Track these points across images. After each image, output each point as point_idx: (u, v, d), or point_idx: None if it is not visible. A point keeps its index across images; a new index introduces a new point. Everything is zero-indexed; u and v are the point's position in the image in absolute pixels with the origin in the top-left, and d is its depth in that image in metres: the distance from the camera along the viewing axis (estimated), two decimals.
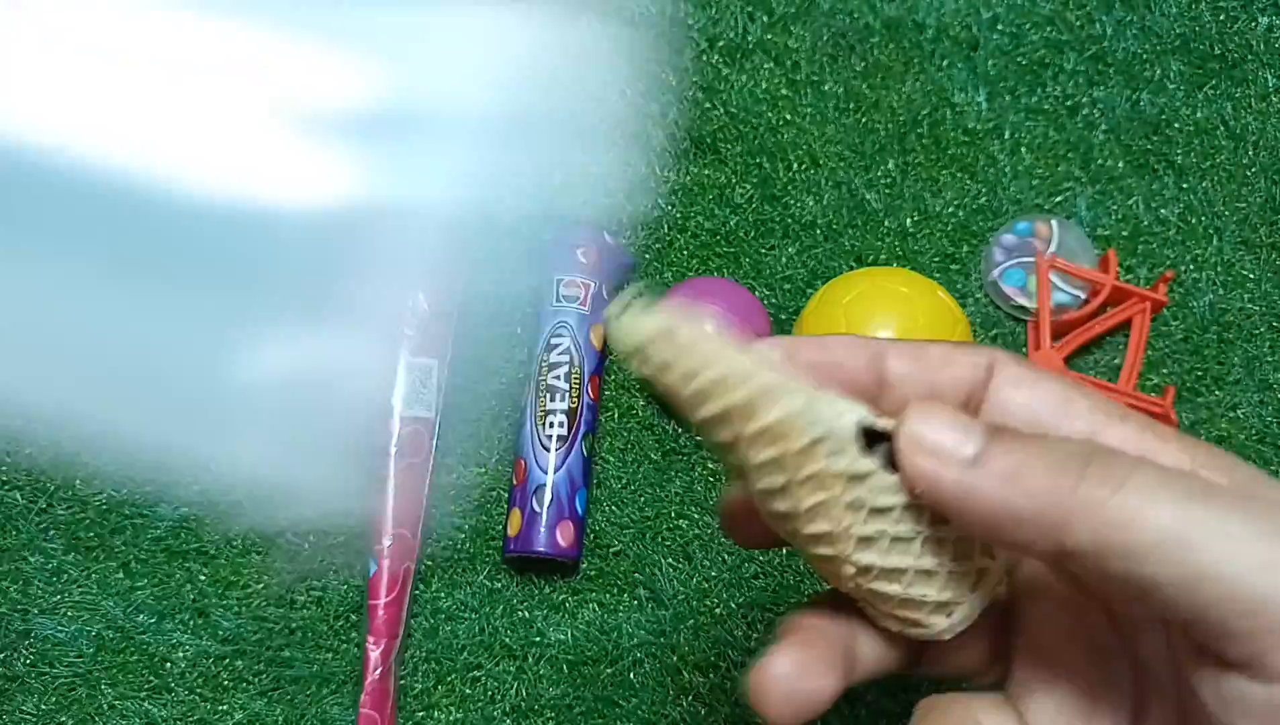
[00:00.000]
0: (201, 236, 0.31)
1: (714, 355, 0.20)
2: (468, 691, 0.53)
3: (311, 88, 0.32)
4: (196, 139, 0.30)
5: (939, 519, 0.21)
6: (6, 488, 0.57)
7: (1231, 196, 0.62)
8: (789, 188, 0.62)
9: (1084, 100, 0.63)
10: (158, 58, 0.30)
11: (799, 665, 0.23)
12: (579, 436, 0.54)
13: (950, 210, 0.61)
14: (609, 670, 0.54)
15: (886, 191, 0.61)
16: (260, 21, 0.32)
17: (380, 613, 0.52)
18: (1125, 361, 0.59)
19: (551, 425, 0.54)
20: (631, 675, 0.53)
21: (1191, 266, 0.60)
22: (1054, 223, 0.60)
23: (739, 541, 0.28)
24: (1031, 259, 0.59)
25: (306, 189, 0.32)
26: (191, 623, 0.55)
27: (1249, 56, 0.64)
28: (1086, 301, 0.59)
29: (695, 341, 0.20)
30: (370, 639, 0.52)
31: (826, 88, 0.63)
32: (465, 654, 0.54)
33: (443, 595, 0.55)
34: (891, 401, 0.23)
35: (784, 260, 0.60)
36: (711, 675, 0.54)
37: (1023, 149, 0.62)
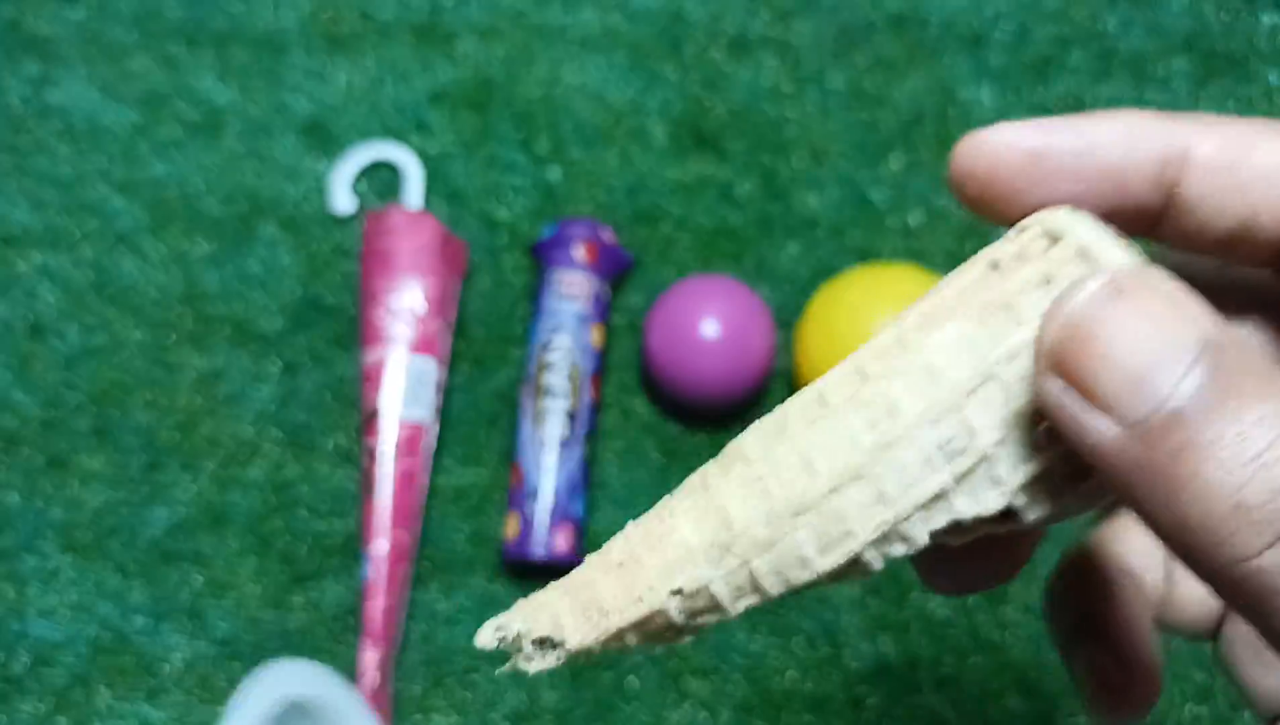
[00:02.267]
0: None
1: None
2: (466, 696, 0.53)
3: None
4: None
5: None
6: (3, 489, 0.56)
7: None
8: (792, 184, 0.61)
9: (1089, 97, 0.63)
10: None
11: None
12: (578, 438, 0.54)
13: (955, 207, 0.61)
14: (608, 675, 0.53)
15: (891, 188, 0.61)
16: None
17: (377, 616, 0.52)
18: None
19: (551, 426, 0.53)
20: (631, 680, 0.53)
21: None
22: None
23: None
24: None
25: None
26: (187, 625, 0.55)
27: (1253, 54, 0.64)
28: None
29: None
30: (366, 642, 0.51)
31: (830, 83, 0.63)
32: (463, 658, 0.53)
33: (440, 599, 0.55)
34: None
35: (787, 258, 0.60)
36: (712, 679, 0.53)
37: None
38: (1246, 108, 0.63)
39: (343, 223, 0.60)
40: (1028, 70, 0.63)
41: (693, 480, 0.17)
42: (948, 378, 0.15)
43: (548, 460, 0.53)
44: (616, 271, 0.57)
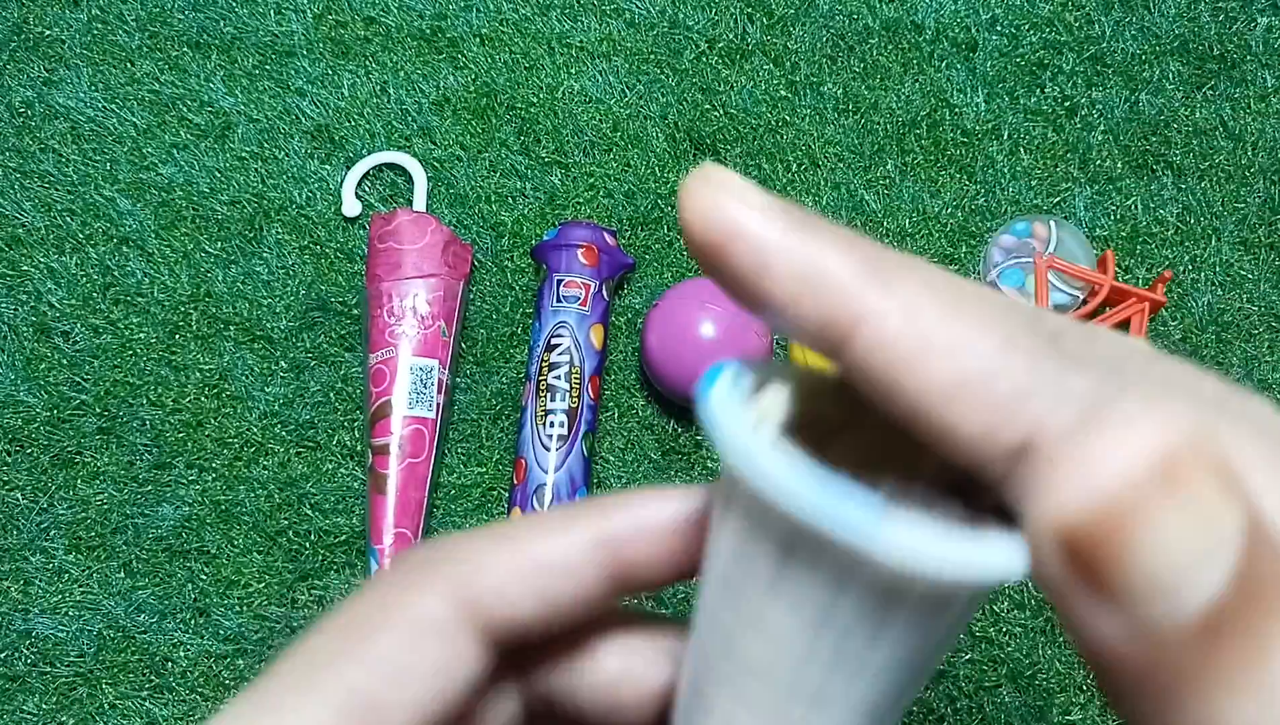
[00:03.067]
0: None
1: None
2: None
3: None
4: None
5: None
6: (7, 488, 0.57)
7: (1230, 197, 0.62)
8: (788, 189, 0.62)
9: (1082, 101, 0.64)
10: None
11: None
12: (579, 436, 0.55)
13: (949, 211, 0.62)
14: None
15: (885, 192, 0.62)
16: None
17: None
18: None
19: (552, 425, 0.54)
20: None
21: (1190, 267, 0.61)
22: (1052, 223, 0.61)
23: None
24: (1030, 259, 0.60)
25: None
26: (193, 622, 0.55)
27: (1248, 57, 0.64)
28: (1085, 302, 0.59)
29: None
30: None
31: (825, 89, 0.63)
32: None
33: None
34: None
35: None
36: None
37: (1021, 150, 0.63)
38: (1242, 110, 0.63)
39: (348, 225, 0.61)
40: (1021, 75, 0.64)
41: None
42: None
43: (550, 457, 0.54)
44: (616, 273, 0.58)
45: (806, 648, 0.14)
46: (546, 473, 0.53)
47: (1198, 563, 0.10)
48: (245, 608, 0.55)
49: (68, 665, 0.54)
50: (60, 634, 0.55)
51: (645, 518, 0.17)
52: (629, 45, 0.64)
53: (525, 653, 0.18)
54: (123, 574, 0.56)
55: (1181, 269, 0.61)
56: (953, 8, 0.65)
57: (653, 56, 0.64)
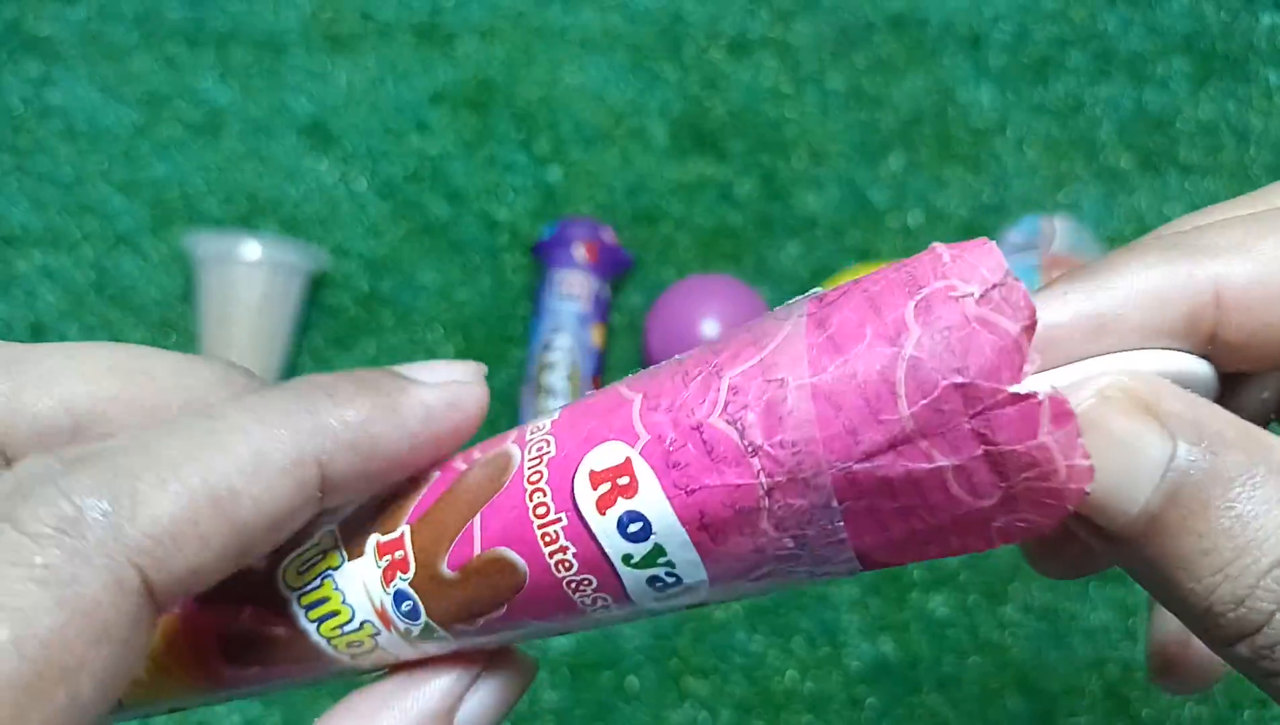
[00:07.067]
0: None
1: None
2: None
3: None
4: None
5: None
6: None
7: (1235, 194, 0.61)
8: (791, 184, 0.61)
9: (1088, 98, 0.63)
10: None
11: None
12: None
13: (954, 208, 0.61)
14: (609, 675, 0.53)
15: (890, 189, 0.61)
16: None
17: None
18: None
19: None
20: (631, 680, 0.53)
21: None
22: (1059, 220, 0.60)
23: None
24: (1036, 256, 0.59)
25: None
26: None
27: (1252, 54, 0.64)
28: None
29: None
30: None
31: (829, 84, 0.63)
32: None
33: None
34: None
35: (786, 258, 0.60)
36: (712, 679, 0.53)
37: (1027, 146, 0.62)
38: (1247, 107, 0.63)
39: (342, 223, 0.60)
40: (1027, 71, 0.63)
41: None
42: None
43: None
44: (617, 271, 0.57)
45: None
46: None
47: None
48: None
49: None
50: None
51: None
52: (629, 38, 0.63)
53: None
54: None
55: None
56: (958, 2, 0.64)
57: (654, 50, 0.63)
